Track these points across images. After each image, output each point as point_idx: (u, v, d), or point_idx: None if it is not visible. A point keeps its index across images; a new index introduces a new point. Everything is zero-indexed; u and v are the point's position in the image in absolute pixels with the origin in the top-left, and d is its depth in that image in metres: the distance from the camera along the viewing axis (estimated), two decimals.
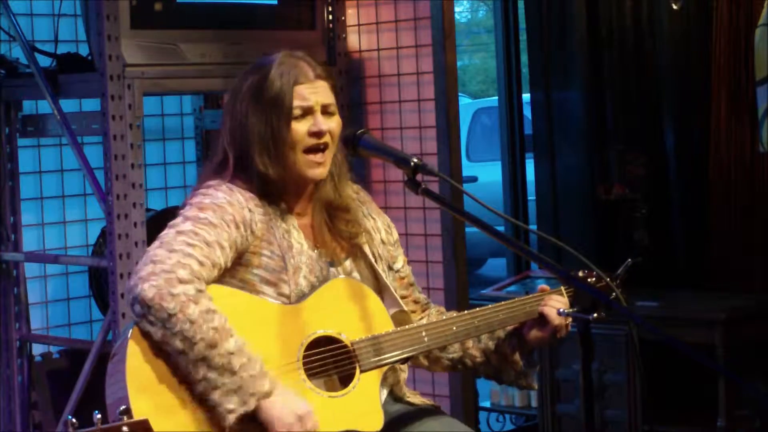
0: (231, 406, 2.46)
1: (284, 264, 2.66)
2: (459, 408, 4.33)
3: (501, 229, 2.82)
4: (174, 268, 2.47)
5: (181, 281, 2.46)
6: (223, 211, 2.62)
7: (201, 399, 2.48)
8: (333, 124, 2.74)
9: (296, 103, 2.70)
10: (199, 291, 2.48)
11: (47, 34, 4.39)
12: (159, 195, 4.80)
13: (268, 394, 2.48)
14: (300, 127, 2.71)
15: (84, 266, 4.59)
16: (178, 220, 2.61)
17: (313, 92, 2.73)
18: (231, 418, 2.46)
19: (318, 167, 2.72)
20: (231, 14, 4.26)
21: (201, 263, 2.52)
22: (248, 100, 2.72)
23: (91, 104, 4.34)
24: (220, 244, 2.57)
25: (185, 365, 2.45)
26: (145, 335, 2.46)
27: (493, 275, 9.20)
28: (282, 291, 2.64)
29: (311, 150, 2.71)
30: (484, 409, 5.54)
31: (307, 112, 2.71)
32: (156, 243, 2.56)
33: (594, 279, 2.87)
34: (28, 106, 4.45)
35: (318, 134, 2.71)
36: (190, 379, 2.46)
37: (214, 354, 2.44)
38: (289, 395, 2.51)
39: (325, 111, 2.74)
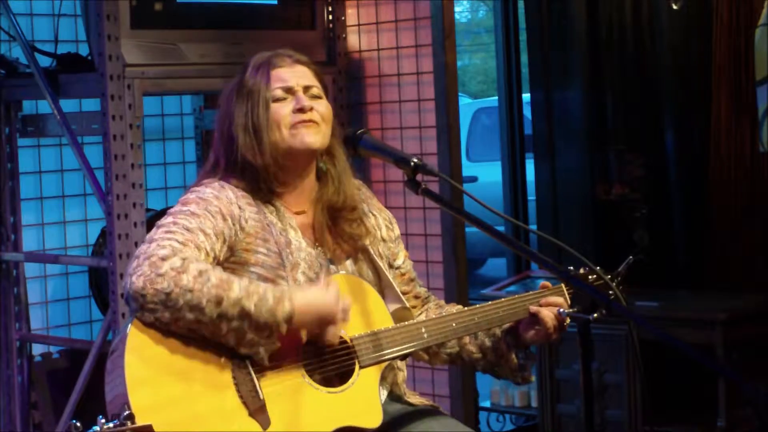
0: (266, 333, 2.48)
1: (282, 260, 2.66)
2: (459, 408, 4.33)
3: (501, 229, 2.82)
4: (154, 251, 2.48)
5: (164, 258, 2.47)
6: (206, 203, 2.63)
7: (203, 392, 2.47)
8: (320, 106, 2.75)
9: (275, 85, 2.73)
10: (184, 259, 2.48)
11: (47, 34, 4.39)
12: (159, 195, 4.80)
13: (292, 314, 2.49)
14: (282, 109, 2.72)
15: (84, 266, 4.59)
16: (162, 218, 2.63)
17: (292, 74, 2.76)
18: (274, 343, 2.49)
19: (306, 135, 2.71)
20: (231, 14, 4.26)
21: (182, 243, 2.52)
22: (231, 98, 2.76)
23: (91, 104, 4.34)
24: (203, 231, 2.58)
25: (206, 330, 2.46)
26: (149, 325, 2.46)
27: (493, 275, 9.21)
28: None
29: (297, 126, 2.72)
30: (484, 409, 5.54)
31: (289, 92, 2.74)
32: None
33: (594, 277, 2.86)
34: (28, 106, 4.45)
35: (302, 110, 2.72)
36: (216, 340, 2.47)
37: (225, 308, 2.45)
38: (310, 300, 2.52)
39: (308, 92, 2.75)
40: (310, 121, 2.72)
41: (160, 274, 2.44)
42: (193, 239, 2.55)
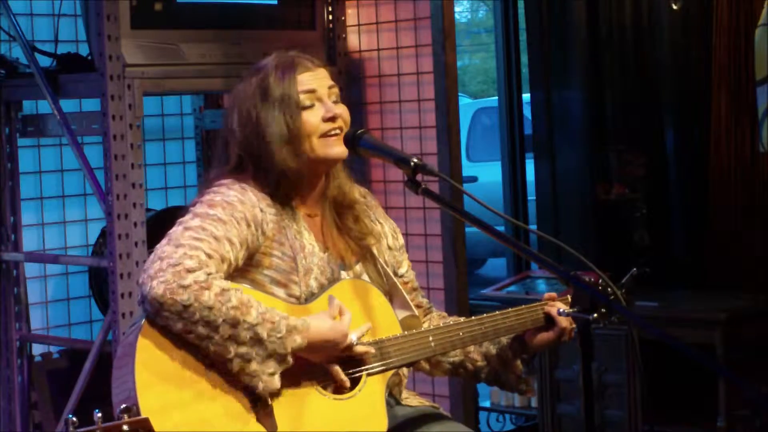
0: (271, 369, 2.48)
1: (295, 265, 2.66)
2: (459, 408, 4.32)
3: (501, 229, 2.82)
4: (181, 260, 2.46)
5: (190, 270, 2.45)
6: (233, 209, 2.61)
7: (211, 396, 2.47)
8: (343, 111, 2.75)
9: (301, 89, 2.71)
10: (209, 275, 2.46)
11: (47, 34, 4.39)
12: (159, 195, 4.80)
13: (302, 347, 2.50)
14: (312, 117, 2.71)
15: (84, 266, 4.58)
16: (187, 217, 2.59)
17: (316, 78, 2.74)
18: (275, 380, 2.48)
19: (337, 146, 2.71)
20: (231, 14, 4.26)
21: (209, 255, 2.50)
22: (255, 102, 2.72)
23: (91, 104, 4.34)
24: (230, 240, 2.56)
25: (214, 348, 2.45)
26: (160, 329, 2.45)
27: (493, 275, 9.20)
28: (292, 292, 2.64)
29: (328, 135, 2.71)
30: (484, 409, 5.55)
31: (315, 99, 2.72)
32: (164, 240, 2.54)
33: (599, 284, 2.85)
34: (28, 106, 4.45)
35: (333, 119, 2.71)
36: (220, 361, 2.46)
37: (239, 330, 2.44)
38: (319, 331, 2.54)
39: (332, 96, 2.74)
40: (339, 129, 2.72)
41: (183, 285, 2.43)
42: (219, 250, 2.53)
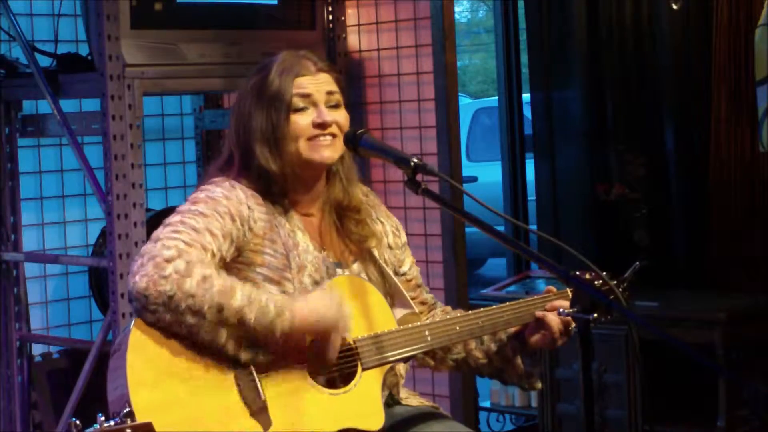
0: (264, 345, 2.49)
1: (288, 262, 2.66)
2: (459, 408, 4.33)
3: (501, 229, 2.81)
4: (159, 251, 2.47)
5: (168, 260, 2.45)
6: (216, 203, 2.62)
7: (204, 392, 2.47)
8: (339, 117, 2.73)
9: (296, 92, 2.70)
10: (188, 262, 2.46)
11: (47, 34, 4.40)
12: (159, 195, 4.80)
13: (291, 326, 2.49)
14: (301, 120, 2.70)
15: (84, 266, 4.59)
16: (171, 215, 2.62)
17: (315, 82, 2.73)
18: (273, 345, 2.49)
19: (325, 149, 2.70)
20: (231, 14, 4.26)
21: (188, 243, 2.51)
22: (251, 98, 2.73)
23: (91, 104, 4.34)
24: (211, 231, 2.56)
25: (206, 336, 2.45)
26: (150, 325, 2.45)
27: (493, 275, 9.21)
28: (286, 289, 2.64)
29: (315, 138, 2.70)
30: (484, 409, 5.55)
31: (310, 103, 2.71)
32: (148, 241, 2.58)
33: (600, 283, 2.84)
34: (28, 106, 4.45)
35: (322, 125, 2.70)
36: (216, 346, 2.46)
37: (226, 315, 2.44)
38: (311, 310, 2.52)
39: (330, 102, 2.72)
40: (330, 136, 2.71)
41: (164, 276, 2.43)
42: (199, 240, 2.54)
